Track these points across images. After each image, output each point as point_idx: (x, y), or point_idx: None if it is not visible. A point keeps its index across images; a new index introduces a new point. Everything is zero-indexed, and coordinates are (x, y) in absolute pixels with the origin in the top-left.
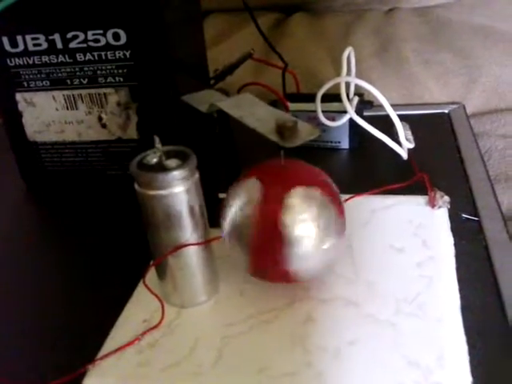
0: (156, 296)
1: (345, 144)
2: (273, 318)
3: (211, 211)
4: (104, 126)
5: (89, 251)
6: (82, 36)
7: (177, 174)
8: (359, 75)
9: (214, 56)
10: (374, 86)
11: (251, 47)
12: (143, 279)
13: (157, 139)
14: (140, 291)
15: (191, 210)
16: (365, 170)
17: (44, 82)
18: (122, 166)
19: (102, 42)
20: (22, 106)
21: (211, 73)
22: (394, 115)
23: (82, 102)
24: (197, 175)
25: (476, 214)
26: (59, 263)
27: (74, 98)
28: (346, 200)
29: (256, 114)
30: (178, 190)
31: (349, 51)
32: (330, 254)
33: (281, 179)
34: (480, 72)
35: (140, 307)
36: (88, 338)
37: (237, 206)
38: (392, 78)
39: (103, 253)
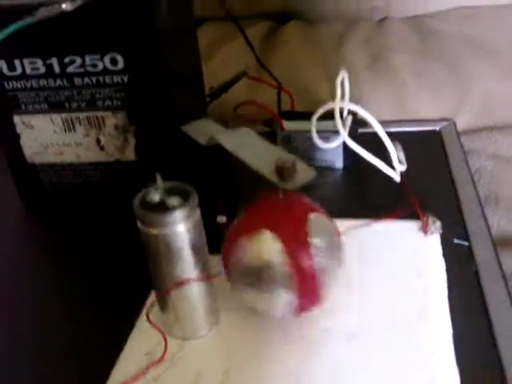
0: (158, 329)
1: (339, 163)
2: (274, 349)
3: (209, 235)
4: (102, 148)
5: (89, 272)
6: (79, 60)
7: (179, 213)
8: (352, 89)
9: (209, 67)
10: (366, 101)
11: (245, 60)
12: (146, 312)
13: (158, 176)
14: (142, 322)
15: (193, 246)
16: (358, 190)
17: (42, 105)
18: (120, 186)
19: (100, 66)
20: (19, 129)
21: (206, 89)
22: (387, 140)
23: (80, 124)
24: (198, 213)
25: (467, 239)
26: (59, 284)
27: (71, 121)
28: None
29: (256, 152)
30: (181, 228)
31: (342, 75)
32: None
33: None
34: (470, 87)
35: (143, 339)
36: (93, 367)
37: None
38: (384, 93)
39: (104, 273)
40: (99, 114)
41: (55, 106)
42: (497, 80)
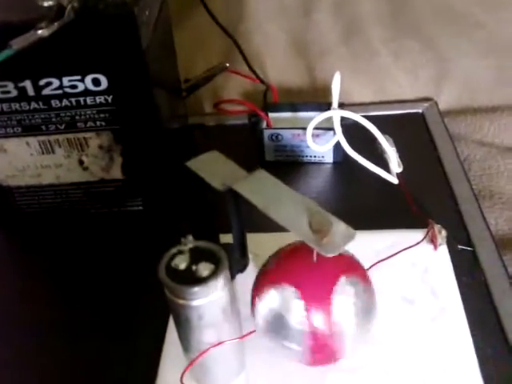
0: None
1: (329, 158)
2: None
3: None
4: (86, 168)
5: (77, 293)
6: (56, 83)
7: (212, 284)
8: (329, 69)
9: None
10: (346, 82)
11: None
12: (181, 378)
13: (183, 240)
14: (164, 375)
15: (225, 311)
16: (351, 187)
17: (15, 129)
18: (105, 204)
19: (80, 87)
20: None
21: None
22: (387, 146)
23: (60, 146)
24: (228, 275)
25: (470, 242)
26: (44, 309)
27: (50, 144)
28: None
29: (282, 205)
30: (213, 298)
31: (337, 80)
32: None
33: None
34: (449, 66)
35: None
36: None
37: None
38: (363, 73)
39: (92, 298)
40: (81, 135)
41: (31, 130)
42: (476, 58)
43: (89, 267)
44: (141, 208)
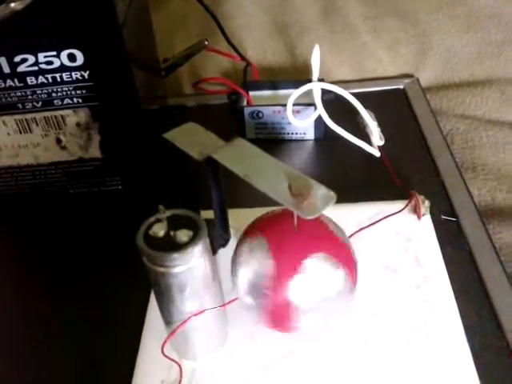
0: (175, 362)
1: (310, 135)
2: (288, 362)
3: None
4: (64, 147)
5: (57, 274)
6: (32, 59)
7: (191, 250)
8: (309, 47)
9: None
10: (326, 60)
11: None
12: (162, 348)
13: (161, 208)
14: (146, 346)
15: (206, 278)
16: (333, 163)
17: None
18: (85, 184)
19: (56, 64)
20: None
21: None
22: (368, 118)
23: (37, 125)
24: (208, 243)
25: (453, 213)
26: (25, 290)
27: (27, 122)
28: None
29: (262, 172)
30: (192, 264)
31: (317, 53)
32: (340, 312)
33: (293, 248)
34: (430, 42)
35: (153, 366)
36: None
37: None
38: (343, 50)
39: (74, 277)
40: (58, 113)
41: (7, 108)
42: (456, 33)
43: (69, 248)
44: (120, 187)
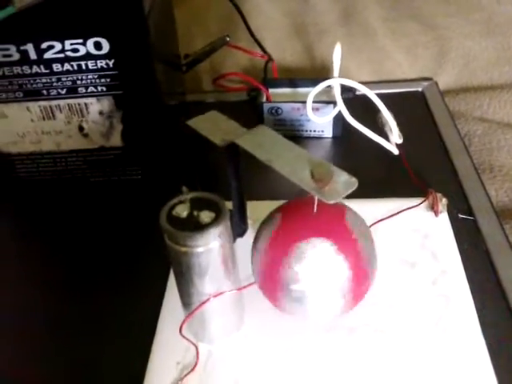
0: (192, 343)
1: (328, 133)
2: (303, 349)
3: None
4: (86, 135)
5: (80, 267)
6: (58, 46)
7: (212, 230)
8: (328, 48)
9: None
10: (345, 62)
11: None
12: (180, 329)
13: (185, 189)
14: (162, 330)
15: (225, 260)
16: (351, 160)
17: (17, 94)
18: (105, 172)
19: (82, 51)
20: None
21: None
22: (388, 116)
23: (61, 112)
24: (229, 225)
25: (470, 212)
26: (45, 277)
27: (51, 109)
28: None
29: (284, 157)
30: (214, 245)
31: (338, 51)
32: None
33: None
34: (449, 46)
35: (169, 348)
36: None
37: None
38: (362, 53)
39: (95, 268)
40: (82, 101)
41: (32, 95)
42: (475, 38)
43: (88, 235)
44: (140, 177)
